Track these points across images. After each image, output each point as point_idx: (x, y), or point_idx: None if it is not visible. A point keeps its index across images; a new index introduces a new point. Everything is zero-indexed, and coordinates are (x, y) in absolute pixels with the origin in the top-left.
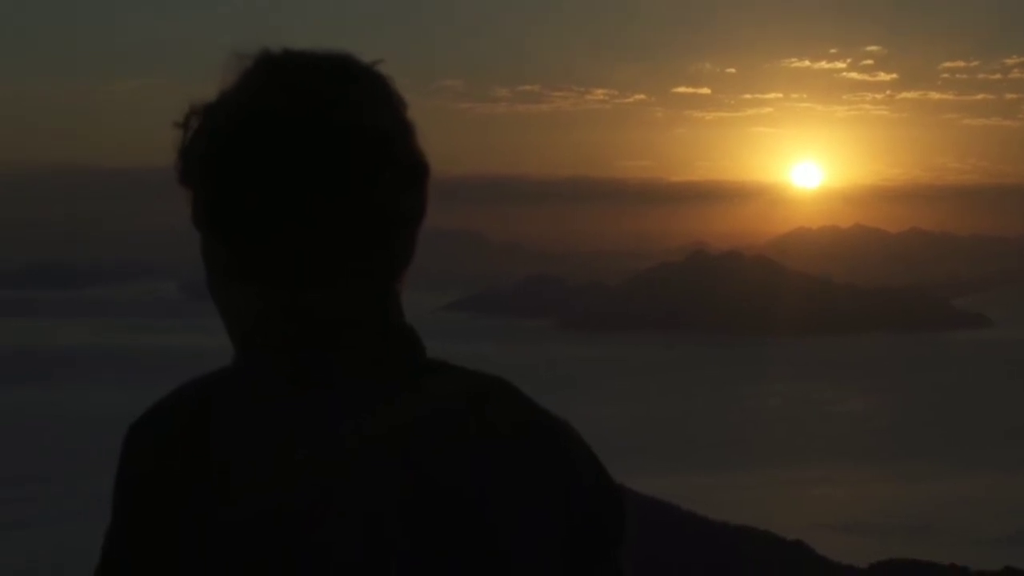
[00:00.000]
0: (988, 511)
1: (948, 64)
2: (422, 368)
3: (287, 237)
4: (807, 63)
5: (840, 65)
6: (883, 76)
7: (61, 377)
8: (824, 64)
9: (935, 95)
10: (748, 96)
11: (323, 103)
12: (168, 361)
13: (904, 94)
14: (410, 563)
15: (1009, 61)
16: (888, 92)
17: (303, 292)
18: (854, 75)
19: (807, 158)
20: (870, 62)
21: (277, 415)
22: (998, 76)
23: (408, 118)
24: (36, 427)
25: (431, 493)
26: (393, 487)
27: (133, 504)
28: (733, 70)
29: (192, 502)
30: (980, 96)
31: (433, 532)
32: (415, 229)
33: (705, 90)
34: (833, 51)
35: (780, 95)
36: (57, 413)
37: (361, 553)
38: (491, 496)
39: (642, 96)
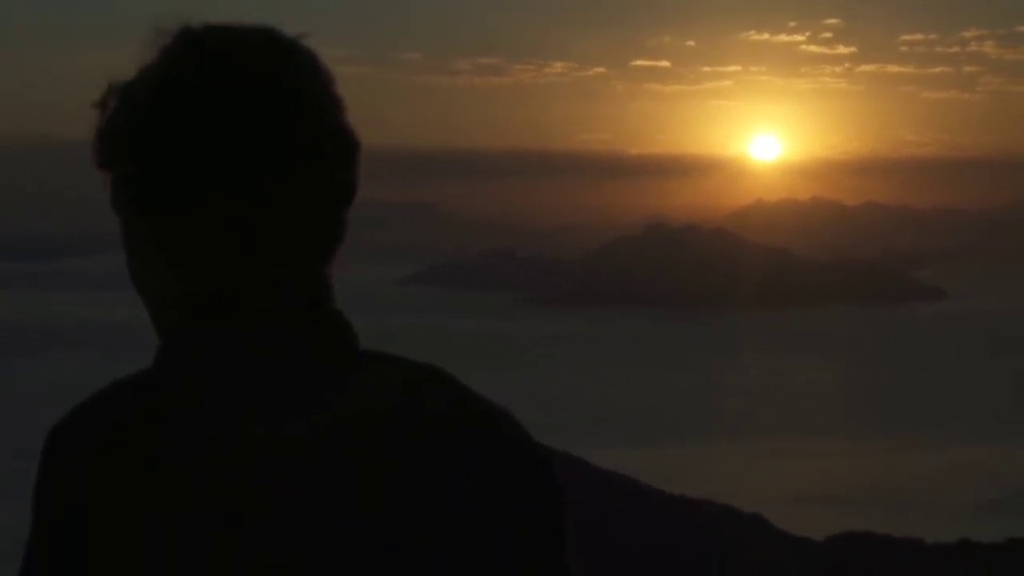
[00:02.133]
0: (951, 483)
1: (906, 37)
2: (357, 355)
3: (212, 208)
4: (766, 36)
5: (799, 38)
6: (842, 49)
7: (44, 351)
8: (783, 37)
9: (894, 68)
10: (707, 69)
11: (245, 72)
12: (136, 333)
13: (863, 67)
14: (351, 549)
15: (967, 34)
16: (847, 65)
17: (233, 271)
18: (813, 48)
19: (766, 131)
20: (829, 35)
21: (217, 406)
22: (956, 49)
23: (337, 92)
24: (25, 401)
25: (372, 479)
26: (335, 474)
27: (82, 512)
28: (692, 43)
29: (149, 502)
30: (938, 69)
31: (374, 518)
32: (347, 207)
33: (664, 63)
34: (792, 24)
35: (739, 68)
36: (44, 387)
37: (301, 542)
38: (429, 482)
39: (602, 69)
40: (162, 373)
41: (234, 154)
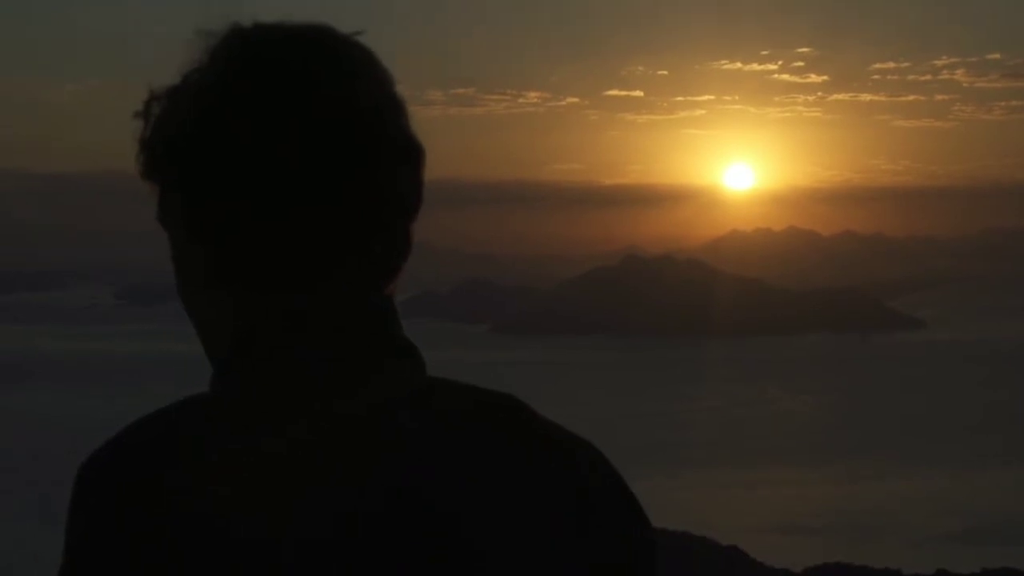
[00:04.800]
0: (927, 511)
1: (879, 65)
2: (426, 383)
3: (273, 232)
4: (739, 65)
5: (772, 67)
6: (814, 78)
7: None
8: (756, 66)
9: (866, 96)
10: (680, 98)
11: (301, 77)
12: (106, 367)
13: (836, 96)
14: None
15: (938, 62)
16: (820, 94)
17: (294, 295)
18: (786, 77)
19: (740, 160)
20: (801, 64)
21: (275, 435)
22: (928, 77)
23: (398, 94)
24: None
25: (435, 515)
26: (396, 508)
27: (119, 546)
28: (665, 72)
29: (199, 533)
30: (911, 97)
31: (435, 559)
32: (411, 219)
33: (638, 92)
34: (765, 53)
35: (712, 97)
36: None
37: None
38: (482, 520)
39: (575, 99)
40: (220, 401)
41: (291, 169)
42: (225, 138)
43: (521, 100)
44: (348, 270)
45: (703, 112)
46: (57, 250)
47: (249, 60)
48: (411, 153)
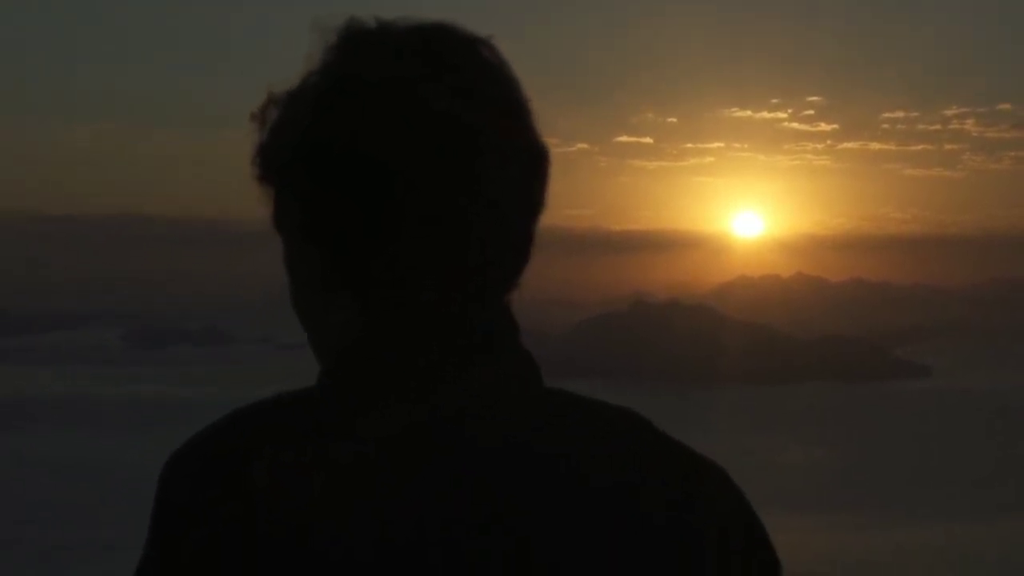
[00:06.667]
0: (933, 562)
1: (888, 115)
2: (543, 393)
3: (396, 239)
4: (749, 113)
5: (782, 115)
6: (824, 126)
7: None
8: (766, 114)
9: (876, 145)
10: (690, 145)
11: (425, 80)
12: (113, 410)
13: (845, 144)
14: None
15: (948, 112)
16: (829, 142)
17: (414, 301)
18: (795, 125)
19: (748, 207)
20: (811, 112)
21: (345, 450)
22: (938, 127)
23: (524, 97)
24: None
25: (540, 532)
26: (498, 519)
27: (212, 540)
28: (675, 120)
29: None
30: (920, 147)
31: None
32: (535, 220)
33: (647, 139)
34: (775, 101)
35: (722, 144)
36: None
37: None
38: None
39: (585, 145)
40: (314, 401)
41: (414, 175)
42: (342, 144)
43: None
44: (461, 278)
45: (712, 159)
46: (61, 291)
47: (368, 63)
48: (532, 157)
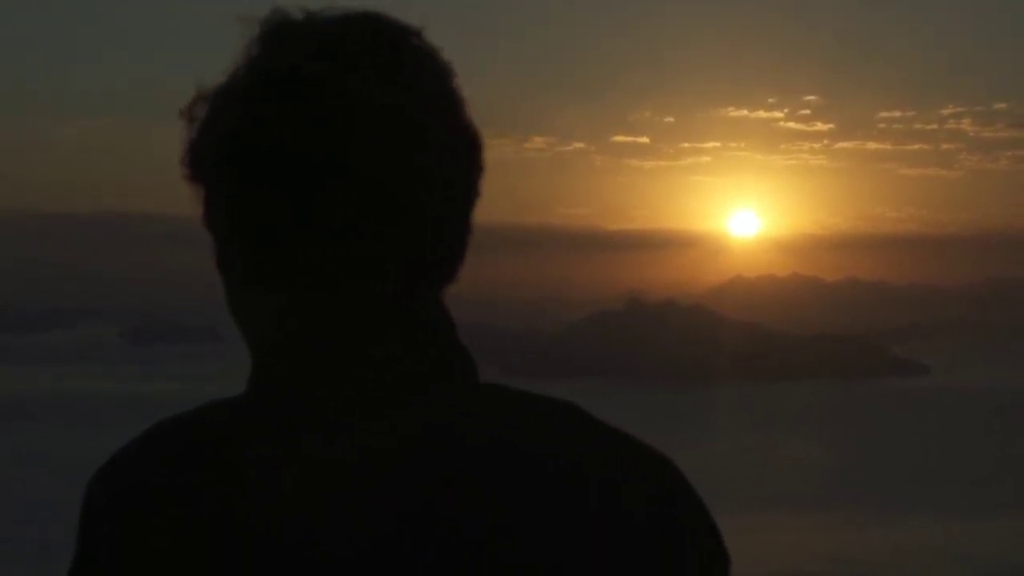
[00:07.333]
0: (931, 559)
1: (885, 114)
2: (480, 387)
3: (317, 233)
4: (745, 112)
5: (778, 115)
6: (820, 126)
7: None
8: (762, 114)
9: (872, 144)
10: (686, 145)
11: (352, 74)
12: (109, 407)
13: (841, 144)
14: None
15: (944, 111)
16: (826, 141)
17: (338, 296)
18: (792, 124)
19: (745, 207)
20: (807, 112)
21: (312, 446)
22: (934, 126)
23: (456, 88)
24: None
25: (490, 519)
26: (450, 511)
27: (147, 551)
28: (671, 119)
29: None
30: (917, 146)
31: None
32: (466, 215)
33: (644, 139)
34: (771, 101)
35: (718, 144)
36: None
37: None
38: (536, 541)
39: (581, 144)
40: (256, 401)
41: (336, 169)
42: (270, 139)
43: (527, 145)
44: (395, 269)
45: (709, 159)
46: (60, 289)
47: (293, 57)
48: (465, 146)
